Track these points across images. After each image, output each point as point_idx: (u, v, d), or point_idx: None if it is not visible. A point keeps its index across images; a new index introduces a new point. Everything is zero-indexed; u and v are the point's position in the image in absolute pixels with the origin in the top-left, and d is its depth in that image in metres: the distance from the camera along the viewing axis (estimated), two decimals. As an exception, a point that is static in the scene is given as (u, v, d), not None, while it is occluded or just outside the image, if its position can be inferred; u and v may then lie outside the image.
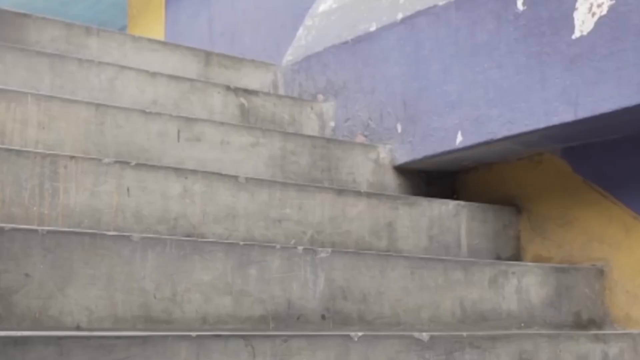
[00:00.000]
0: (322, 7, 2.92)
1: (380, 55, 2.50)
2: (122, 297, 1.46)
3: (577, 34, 1.99)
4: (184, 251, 1.54)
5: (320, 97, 2.70)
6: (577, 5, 2.00)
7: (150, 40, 2.80)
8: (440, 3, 2.33)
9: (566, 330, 2.04)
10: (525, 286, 2.01)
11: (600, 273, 2.14)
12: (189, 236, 1.77)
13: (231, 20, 3.92)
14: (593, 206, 2.16)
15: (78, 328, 1.41)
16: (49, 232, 1.41)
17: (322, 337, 1.43)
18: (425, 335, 1.52)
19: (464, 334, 1.60)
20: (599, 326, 2.11)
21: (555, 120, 2.03)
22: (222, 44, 3.78)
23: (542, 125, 2.06)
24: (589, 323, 2.10)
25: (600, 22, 1.94)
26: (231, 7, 3.96)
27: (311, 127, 2.63)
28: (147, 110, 2.10)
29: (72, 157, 1.72)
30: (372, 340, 1.46)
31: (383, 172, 2.41)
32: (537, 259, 2.26)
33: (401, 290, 1.80)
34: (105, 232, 1.49)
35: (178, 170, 1.86)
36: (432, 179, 2.47)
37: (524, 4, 2.11)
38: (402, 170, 2.44)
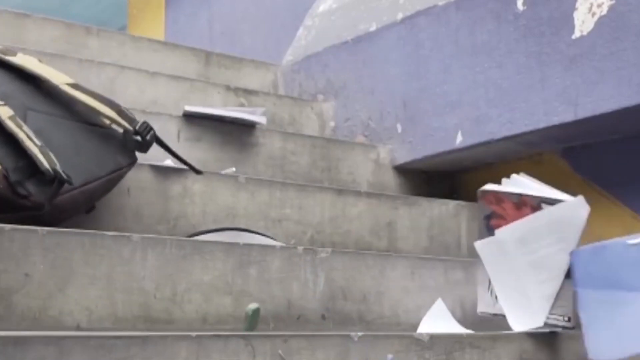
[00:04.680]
0: (322, 7, 2.92)
1: (380, 55, 2.50)
2: (122, 297, 1.46)
3: (577, 34, 1.99)
4: (184, 251, 1.54)
5: (320, 97, 2.70)
6: (577, 5, 2.00)
7: (150, 40, 2.79)
8: (440, 3, 2.33)
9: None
10: (525, 286, 2.00)
11: (600, 273, 2.13)
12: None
13: (231, 20, 3.93)
14: (593, 206, 2.16)
15: (78, 328, 1.40)
16: (48, 232, 1.41)
17: (322, 337, 1.42)
18: (425, 335, 1.52)
19: (464, 334, 1.60)
20: (599, 326, 2.11)
21: (555, 120, 2.03)
22: (223, 44, 3.78)
23: (542, 125, 2.06)
24: (589, 323, 2.10)
25: (600, 22, 1.94)
26: (231, 7, 3.96)
27: (311, 127, 2.63)
28: (147, 110, 2.10)
29: (72, 157, 1.71)
30: (372, 340, 1.45)
31: (383, 172, 2.41)
32: (537, 259, 2.26)
33: (401, 290, 1.80)
34: (105, 232, 1.49)
35: (178, 170, 1.86)
36: (432, 179, 2.47)
37: (524, 4, 2.11)
38: (402, 170, 2.44)
